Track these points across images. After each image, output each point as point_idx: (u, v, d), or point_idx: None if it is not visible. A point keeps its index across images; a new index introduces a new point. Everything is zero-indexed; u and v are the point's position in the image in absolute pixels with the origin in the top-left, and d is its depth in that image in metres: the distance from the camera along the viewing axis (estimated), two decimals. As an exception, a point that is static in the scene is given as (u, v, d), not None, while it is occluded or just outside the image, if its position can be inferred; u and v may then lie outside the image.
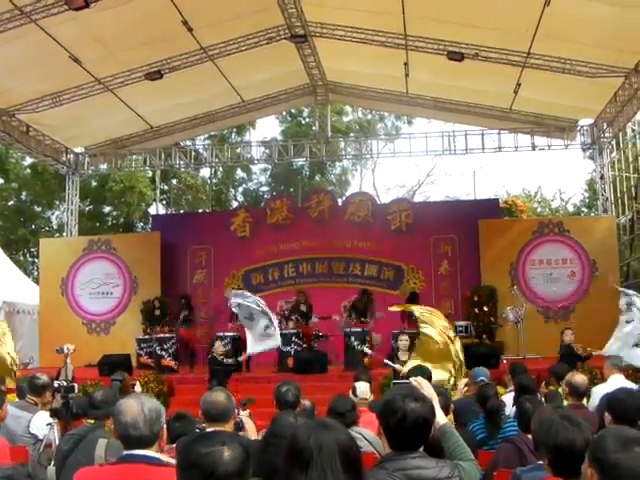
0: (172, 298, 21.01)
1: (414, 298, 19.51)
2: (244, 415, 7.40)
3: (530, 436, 4.75)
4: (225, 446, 2.78)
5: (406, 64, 18.85)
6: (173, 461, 3.66)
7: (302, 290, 20.09)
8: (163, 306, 20.53)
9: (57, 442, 7.00)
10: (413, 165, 43.89)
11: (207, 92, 21.72)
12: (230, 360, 15.20)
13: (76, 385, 8.53)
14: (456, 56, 17.71)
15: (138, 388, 10.72)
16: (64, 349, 11.85)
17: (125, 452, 3.85)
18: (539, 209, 44.27)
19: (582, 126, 22.44)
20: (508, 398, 8.26)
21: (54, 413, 7.40)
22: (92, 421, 6.04)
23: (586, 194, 40.80)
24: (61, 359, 13.62)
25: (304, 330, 18.58)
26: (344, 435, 3.00)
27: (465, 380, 9.37)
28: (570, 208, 43.23)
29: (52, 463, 5.87)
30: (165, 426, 4.00)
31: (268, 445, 3.42)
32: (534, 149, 23.12)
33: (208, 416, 5.19)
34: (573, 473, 3.63)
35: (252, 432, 5.75)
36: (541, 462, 4.03)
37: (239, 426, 5.83)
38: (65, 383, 7.99)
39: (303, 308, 19.08)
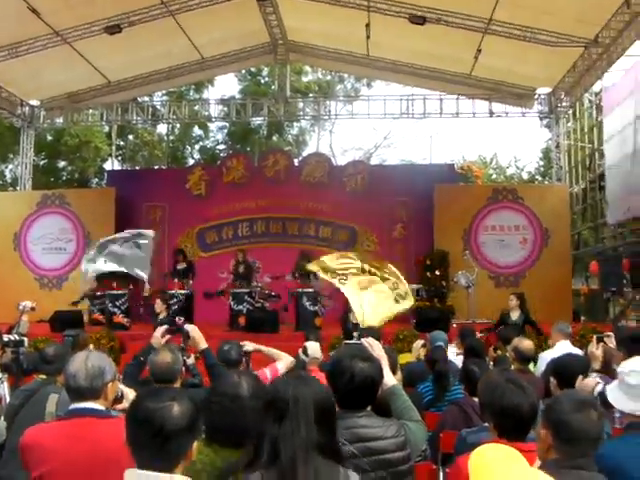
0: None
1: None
2: (191, 359, 7.42)
3: (476, 399, 4.82)
4: (175, 402, 2.81)
5: (368, 25, 18.76)
6: (122, 414, 3.69)
7: (242, 249, 19.96)
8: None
9: (7, 397, 6.99)
10: (371, 128, 43.94)
11: (166, 48, 21.48)
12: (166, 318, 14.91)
13: (26, 339, 8.48)
14: (418, 20, 17.68)
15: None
16: (21, 306, 11.81)
17: (72, 406, 3.91)
18: (494, 176, 44.58)
19: (540, 94, 22.52)
20: (457, 361, 8.36)
21: (4, 368, 7.37)
22: (43, 376, 6.04)
23: (541, 162, 41.17)
24: (13, 314, 13.56)
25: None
26: (320, 389, 3.10)
27: (421, 342, 9.43)
28: (525, 176, 43.58)
29: (2, 418, 5.86)
30: (114, 383, 4.02)
31: (210, 403, 3.44)
32: (491, 116, 23.20)
33: (155, 377, 5.20)
34: (518, 436, 3.71)
35: (200, 340, 5.73)
36: (486, 424, 4.10)
37: (187, 335, 5.83)
38: (15, 337, 7.94)
39: (241, 269, 19.02)
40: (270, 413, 2.96)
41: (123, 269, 17.15)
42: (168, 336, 5.69)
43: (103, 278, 19.63)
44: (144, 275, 17.20)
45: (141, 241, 17.35)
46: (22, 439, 3.85)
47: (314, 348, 7.94)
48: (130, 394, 4.65)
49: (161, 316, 14.04)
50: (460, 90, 22.64)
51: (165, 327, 5.79)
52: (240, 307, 18.03)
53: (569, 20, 16.33)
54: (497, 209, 21.00)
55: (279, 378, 3.31)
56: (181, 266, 19.09)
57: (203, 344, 5.65)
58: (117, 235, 16.98)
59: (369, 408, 3.84)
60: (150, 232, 17.41)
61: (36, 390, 5.64)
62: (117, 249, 16.99)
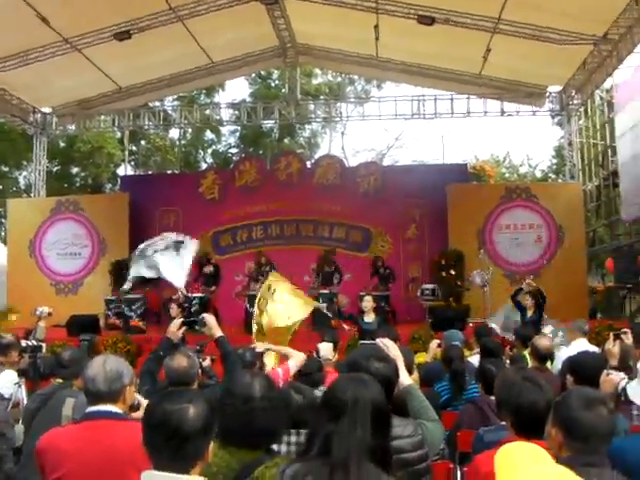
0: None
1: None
2: (207, 362, 7.46)
3: (493, 398, 4.82)
4: (191, 404, 2.83)
5: (376, 27, 18.75)
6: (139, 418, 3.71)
7: (261, 251, 20.07)
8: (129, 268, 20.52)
9: (24, 401, 7.03)
10: (382, 129, 43.93)
11: (176, 53, 21.47)
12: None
13: (44, 345, 8.54)
14: (426, 20, 17.65)
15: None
16: (38, 311, 11.87)
17: (89, 409, 3.93)
18: (507, 175, 44.44)
19: (551, 93, 22.49)
20: (474, 360, 8.36)
21: (21, 372, 7.42)
22: (60, 380, 6.06)
23: (554, 160, 41.00)
24: (30, 319, 13.65)
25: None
26: (378, 391, 3.08)
27: (437, 341, 9.44)
28: (538, 174, 43.44)
29: (20, 422, 5.89)
30: (131, 386, 4.06)
31: (223, 405, 3.45)
32: (503, 115, 23.16)
33: (171, 381, 5.22)
34: (535, 433, 3.70)
35: (215, 328, 5.72)
36: (504, 423, 4.10)
37: (203, 323, 5.81)
38: (33, 343, 8.00)
39: (266, 269, 19.08)
40: (325, 411, 2.97)
41: (161, 276, 17.08)
42: (184, 328, 5.68)
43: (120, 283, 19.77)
44: (181, 285, 17.11)
45: (183, 250, 17.18)
46: (38, 444, 3.88)
47: (326, 349, 7.96)
48: (213, 321, 4.75)
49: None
50: (471, 90, 22.60)
51: (180, 320, 5.80)
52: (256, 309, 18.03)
53: (578, 18, 16.25)
54: (511, 208, 20.97)
55: (340, 377, 3.29)
56: (208, 269, 19.19)
57: (218, 332, 5.65)
58: (158, 239, 16.75)
59: (385, 408, 3.84)
60: (194, 243, 17.14)
61: (52, 394, 5.66)
62: (157, 256, 16.78)
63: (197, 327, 5.72)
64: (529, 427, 3.76)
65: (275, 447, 3.68)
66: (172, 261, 15.73)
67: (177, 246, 16.31)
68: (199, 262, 19.56)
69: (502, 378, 4.18)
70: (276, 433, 3.48)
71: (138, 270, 16.71)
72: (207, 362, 7.39)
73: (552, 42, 17.31)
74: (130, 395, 4.05)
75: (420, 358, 8.90)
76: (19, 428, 5.72)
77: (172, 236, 16.65)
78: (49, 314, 12.99)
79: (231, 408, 3.44)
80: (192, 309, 17.30)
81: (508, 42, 18.08)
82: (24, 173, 40.91)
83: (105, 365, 3.94)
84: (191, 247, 16.67)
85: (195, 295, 18.16)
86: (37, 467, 3.84)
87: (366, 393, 2.99)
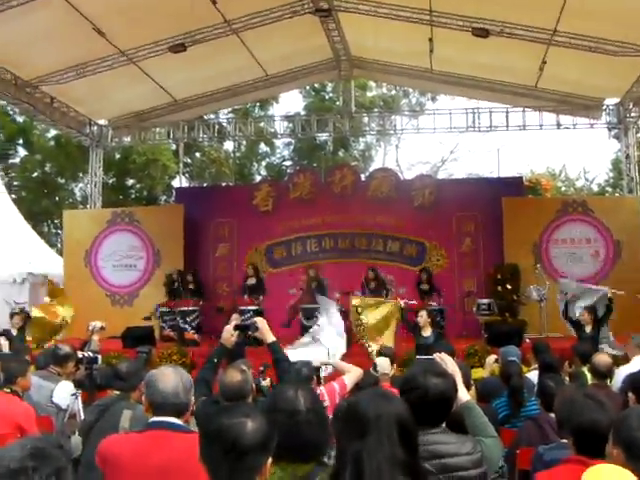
0: (185, 274, 21.04)
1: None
2: (266, 382, 7.44)
3: (553, 415, 4.74)
4: (249, 418, 2.81)
5: (431, 40, 18.67)
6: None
7: (311, 265, 20.06)
8: (182, 280, 20.65)
9: (81, 412, 7.07)
10: (437, 142, 43.78)
11: (231, 65, 21.60)
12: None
13: (100, 356, 8.60)
14: (481, 32, 17.56)
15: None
16: (91, 326, 11.97)
17: (152, 419, 3.95)
18: (563, 188, 44.09)
19: (608, 105, 22.22)
20: (532, 376, 8.25)
21: (78, 384, 7.46)
22: (117, 392, 6.09)
23: (611, 174, 40.64)
24: (84, 329, 13.76)
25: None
26: (402, 406, 3.07)
27: (494, 357, 9.37)
28: (594, 188, 43.07)
29: (77, 433, 5.91)
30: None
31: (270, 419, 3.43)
32: (559, 127, 22.92)
33: (225, 397, 5.19)
34: (597, 453, 3.63)
35: (268, 333, 5.63)
36: (564, 441, 4.03)
37: (255, 327, 5.72)
38: (89, 354, 8.05)
39: (314, 285, 19.10)
40: (350, 429, 2.92)
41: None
42: (237, 332, 5.61)
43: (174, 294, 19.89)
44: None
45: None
46: (99, 448, 3.94)
47: (383, 364, 7.93)
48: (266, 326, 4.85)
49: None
50: (526, 102, 22.41)
51: (233, 323, 5.74)
52: (311, 323, 18.05)
53: (636, 28, 16.05)
54: (567, 222, 20.76)
55: (360, 394, 3.27)
56: (250, 282, 19.24)
57: (270, 337, 5.57)
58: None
59: (443, 424, 3.78)
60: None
61: (110, 406, 5.69)
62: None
63: (249, 332, 5.65)
64: (591, 446, 3.69)
65: (325, 459, 3.65)
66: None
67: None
68: (245, 274, 19.71)
69: (563, 395, 4.13)
70: (324, 445, 3.44)
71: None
72: (267, 382, 7.38)
73: (609, 53, 17.11)
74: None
75: (476, 374, 8.83)
76: (76, 439, 5.75)
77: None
78: (102, 328, 13.08)
79: (277, 422, 3.42)
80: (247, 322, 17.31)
81: (564, 54, 17.90)
82: (80, 185, 41.47)
83: (182, 377, 4.01)
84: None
85: (249, 308, 18.20)
86: (95, 477, 3.88)
87: (389, 408, 2.98)
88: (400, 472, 2.81)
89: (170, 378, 3.97)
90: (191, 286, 20.40)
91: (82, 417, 6.78)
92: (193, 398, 4.03)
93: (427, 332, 12.33)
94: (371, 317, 13.96)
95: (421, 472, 3.04)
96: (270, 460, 2.98)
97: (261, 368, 7.61)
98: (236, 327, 5.62)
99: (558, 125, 22.79)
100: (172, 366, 4.42)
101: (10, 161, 41.14)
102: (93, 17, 17.10)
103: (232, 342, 5.56)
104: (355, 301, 14.47)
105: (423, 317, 12.67)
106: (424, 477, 3.04)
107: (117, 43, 18.71)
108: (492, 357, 9.26)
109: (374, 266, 19.89)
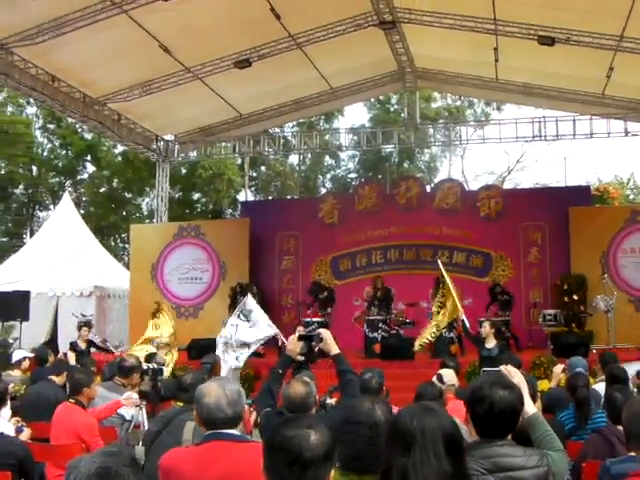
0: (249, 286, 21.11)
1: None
2: (332, 400, 7.42)
3: (620, 427, 4.67)
4: (312, 430, 2.78)
5: (495, 49, 18.60)
6: (259, 441, 3.73)
7: (379, 276, 20.02)
8: (245, 292, 20.77)
9: (145, 423, 7.15)
10: (502, 151, 43.40)
11: (295, 79, 21.74)
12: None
13: (165, 368, 8.67)
14: (547, 40, 17.41)
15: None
16: (155, 342, 12.14)
17: (207, 432, 3.96)
18: (632, 196, 43.53)
19: (676, 111, 21.91)
20: (599, 388, 8.15)
21: (142, 395, 7.55)
22: (181, 404, 6.13)
23: (680, 181, 40.02)
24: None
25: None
26: (447, 419, 3.04)
27: (561, 366, 9.27)
28: (664, 195, 42.47)
29: (140, 443, 5.97)
30: (248, 408, 4.09)
31: (345, 432, 3.42)
32: (627, 135, 22.58)
33: (289, 410, 5.20)
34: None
35: (332, 344, 5.55)
36: (633, 454, 3.97)
37: (319, 338, 5.64)
38: (154, 366, 8.13)
39: (379, 294, 19.08)
40: (395, 444, 2.92)
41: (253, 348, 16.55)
42: (302, 344, 5.58)
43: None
44: (272, 333, 16.55)
45: (246, 310, 16.37)
46: (160, 462, 3.97)
47: (450, 375, 7.87)
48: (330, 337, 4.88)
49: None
50: (593, 110, 22.13)
51: (298, 334, 5.73)
52: (375, 334, 18.06)
53: None
54: (636, 231, 20.44)
55: (404, 408, 3.25)
56: (322, 295, 19.38)
57: (335, 349, 5.51)
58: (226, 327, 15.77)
59: (510, 437, 3.75)
60: (249, 299, 16.13)
61: (173, 417, 5.73)
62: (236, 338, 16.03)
63: (313, 342, 5.62)
64: (660, 459, 3.62)
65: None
66: (248, 328, 15.23)
67: (241, 314, 15.74)
68: (312, 290, 19.79)
69: (631, 407, 4.05)
70: (389, 464, 3.43)
71: (234, 364, 16.21)
72: (332, 401, 7.38)
73: (678, 58, 16.91)
74: (247, 415, 4.10)
75: (542, 385, 8.74)
76: (140, 450, 5.80)
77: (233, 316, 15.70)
78: (167, 344, 13.23)
79: (355, 434, 3.41)
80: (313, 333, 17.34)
81: (631, 60, 17.67)
82: (147, 199, 42.03)
83: (225, 389, 3.98)
84: (248, 302, 15.62)
85: (314, 319, 18.24)
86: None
87: (432, 421, 2.95)
88: None
89: (213, 392, 3.98)
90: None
91: (146, 428, 6.85)
92: (244, 407, 4.02)
93: (491, 344, 12.18)
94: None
95: None
96: (339, 472, 2.98)
97: (330, 388, 7.61)
98: (300, 337, 5.60)
99: (626, 132, 22.43)
100: (219, 379, 4.47)
101: (79, 177, 41.80)
102: (159, 35, 17.38)
103: (297, 352, 5.55)
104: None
105: (486, 328, 12.56)
106: None
107: (182, 60, 18.96)
108: (560, 367, 9.15)
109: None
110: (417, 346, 14.15)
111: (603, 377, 8.49)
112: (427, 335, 13.70)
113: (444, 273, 13.58)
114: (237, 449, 3.83)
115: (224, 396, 3.94)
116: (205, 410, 3.96)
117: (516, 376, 4.24)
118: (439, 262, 14.43)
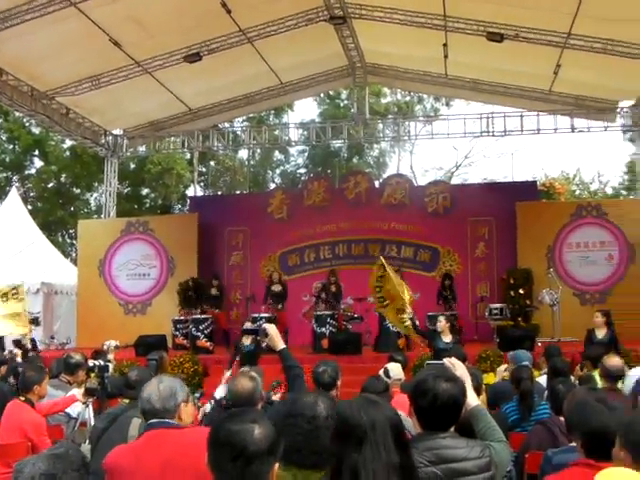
0: (207, 279, 21.09)
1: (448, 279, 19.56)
2: (277, 397, 7.42)
3: (562, 418, 4.73)
4: (256, 424, 2.79)
5: (445, 45, 18.71)
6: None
7: (334, 270, 20.03)
8: (198, 287, 20.72)
9: (91, 420, 7.10)
10: (451, 147, 43.65)
11: (245, 74, 21.69)
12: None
13: (111, 365, 8.62)
14: (496, 37, 17.54)
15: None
16: (106, 345, 12.03)
17: (146, 423, 4.14)
18: (577, 192, 43.99)
19: (622, 108, 22.09)
20: (543, 380, 8.24)
21: (89, 392, 7.49)
22: (127, 401, 6.11)
23: (626, 177, 40.51)
24: (99, 339, 13.83)
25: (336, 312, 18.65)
26: (391, 411, 3.08)
27: (504, 366, 9.38)
28: (609, 191, 42.97)
29: (87, 441, 5.93)
30: (187, 405, 4.14)
31: (285, 425, 3.42)
32: (573, 131, 22.77)
33: (235, 404, 5.18)
34: (606, 456, 3.62)
35: (278, 339, 5.54)
36: (574, 444, 4.02)
37: (264, 333, 5.67)
38: (100, 363, 8.07)
39: (333, 288, 19.10)
40: (346, 439, 2.93)
41: None
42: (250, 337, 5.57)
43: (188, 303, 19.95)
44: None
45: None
46: (104, 462, 4.00)
47: (396, 369, 7.91)
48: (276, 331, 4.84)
49: (247, 342, 13.92)
50: (541, 106, 22.32)
51: (243, 327, 5.75)
52: (323, 329, 18.05)
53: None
54: (581, 225, 20.65)
55: (345, 402, 3.25)
56: (276, 288, 19.30)
57: (280, 344, 5.51)
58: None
59: (452, 429, 3.78)
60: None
61: (119, 414, 5.71)
62: None
63: (258, 337, 5.62)
64: (600, 449, 3.68)
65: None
66: None
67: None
68: (268, 280, 19.75)
69: (572, 399, 4.11)
70: (339, 458, 3.44)
71: None
72: (277, 397, 7.37)
73: (624, 56, 17.09)
74: (187, 414, 4.14)
75: (488, 379, 8.82)
76: (85, 448, 5.77)
77: None
78: (116, 347, 13.11)
79: (295, 427, 3.42)
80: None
81: (579, 57, 17.87)
82: (95, 195, 41.67)
83: (159, 385, 4.11)
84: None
85: (262, 315, 18.19)
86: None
87: (379, 414, 2.98)
88: (396, 477, 2.82)
89: (149, 386, 4.16)
90: (213, 291, 20.52)
91: (92, 424, 6.81)
92: (178, 404, 4.11)
93: (447, 338, 12.30)
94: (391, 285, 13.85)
95: (415, 474, 3.05)
96: (280, 465, 2.98)
97: (273, 384, 7.59)
98: (244, 331, 5.61)
99: (572, 129, 22.66)
100: (162, 375, 4.57)
101: (26, 172, 41.36)
102: (108, 28, 17.26)
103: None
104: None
105: (442, 322, 12.65)
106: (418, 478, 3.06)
107: (132, 54, 18.86)
108: (502, 367, 9.29)
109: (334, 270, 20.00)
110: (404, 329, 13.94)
111: (546, 370, 8.59)
112: (402, 322, 13.53)
113: (387, 267, 13.58)
114: (175, 435, 3.93)
115: (156, 391, 4.07)
116: (140, 403, 4.14)
117: (459, 369, 4.27)
118: (381, 258, 14.34)
